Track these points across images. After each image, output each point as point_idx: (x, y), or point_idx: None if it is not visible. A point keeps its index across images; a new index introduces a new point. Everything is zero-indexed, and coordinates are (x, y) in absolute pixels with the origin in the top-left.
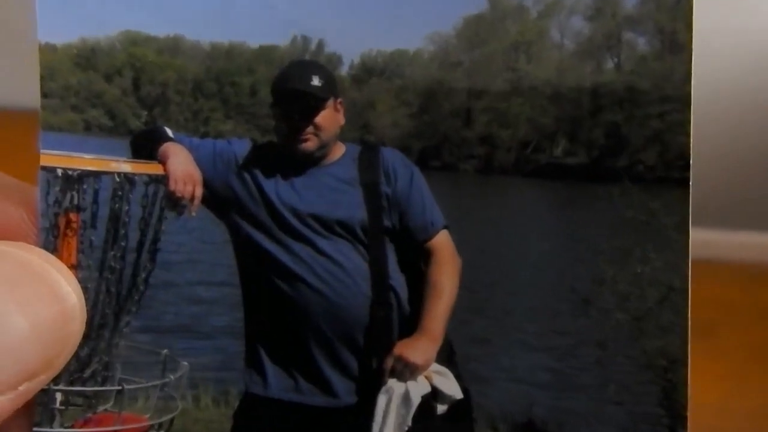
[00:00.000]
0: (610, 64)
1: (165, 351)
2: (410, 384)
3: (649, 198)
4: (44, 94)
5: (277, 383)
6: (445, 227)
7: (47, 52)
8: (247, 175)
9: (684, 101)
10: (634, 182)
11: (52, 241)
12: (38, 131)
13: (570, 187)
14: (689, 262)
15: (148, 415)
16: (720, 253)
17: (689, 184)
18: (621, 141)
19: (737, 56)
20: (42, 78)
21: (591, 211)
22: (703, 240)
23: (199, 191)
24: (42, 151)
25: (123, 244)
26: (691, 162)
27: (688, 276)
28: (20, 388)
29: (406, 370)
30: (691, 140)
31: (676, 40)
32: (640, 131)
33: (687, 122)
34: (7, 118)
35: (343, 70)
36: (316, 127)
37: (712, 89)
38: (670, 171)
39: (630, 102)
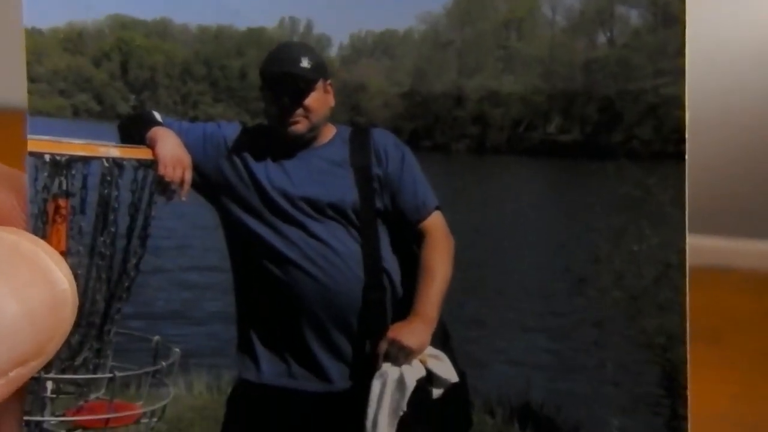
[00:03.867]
0: (602, 39)
1: (157, 337)
2: (405, 368)
3: (644, 174)
4: (31, 79)
5: (270, 369)
6: (438, 208)
7: (34, 36)
8: (237, 159)
9: (678, 74)
10: (629, 158)
11: (41, 227)
12: (25, 116)
13: (564, 164)
14: (686, 240)
15: (140, 403)
16: (722, 261)
17: (685, 159)
18: (615, 116)
19: (728, 26)
20: (29, 63)
21: (586, 188)
22: (704, 247)
23: (188, 175)
24: (30, 136)
25: (113, 229)
26: (686, 136)
27: (685, 253)
28: (11, 374)
29: (401, 354)
30: (686, 113)
31: (669, 13)
32: (634, 106)
33: (681, 95)
34: None
35: (333, 52)
36: (306, 109)
37: (705, 60)
38: (666, 145)
39: (623, 76)
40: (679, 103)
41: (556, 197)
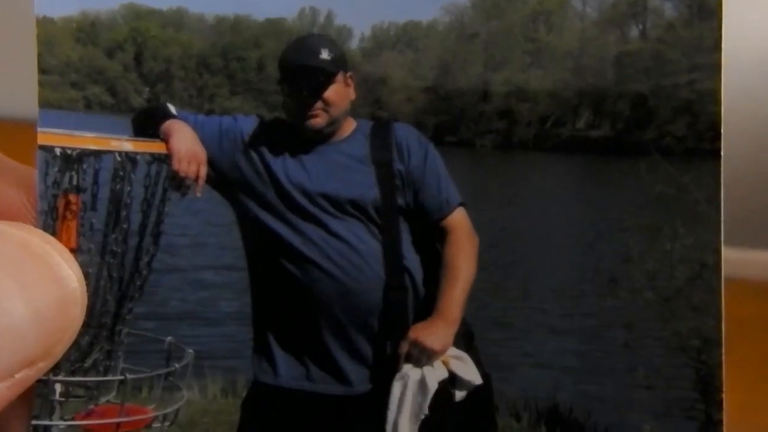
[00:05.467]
0: (635, 33)
1: (169, 338)
2: (427, 370)
3: (679, 171)
4: (42, 70)
5: (288, 371)
6: (462, 205)
7: (45, 25)
8: (254, 154)
9: (714, 69)
10: (662, 155)
11: (50, 224)
12: (36, 109)
13: (594, 161)
14: (722, 240)
15: (152, 406)
16: (741, 271)
17: (720, 156)
18: (648, 112)
19: None
20: (40, 53)
21: (616, 186)
22: (724, 257)
23: (203, 171)
24: (40, 129)
25: (125, 226)
26: (722, 132)
27: (721, 253)
28: (18, 375)
29: (423, 355)
30: (722, 110)
31: (704, 5)
32: (668, 102)
33: (717, 91)
34: (4, 95)
35: (354, 44)
36: (326, 103)
37: (744, 55)
38: (701, 142)
39: (657, 71)
40: (714, 98)
41: (586, 195)
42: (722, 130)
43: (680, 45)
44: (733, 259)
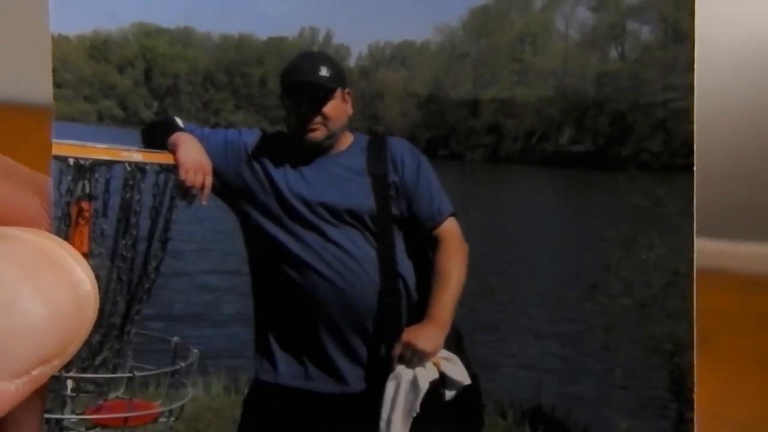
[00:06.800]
0: (614, 54)
1: (176, 338)
2: (418, 370)
3: (654, 185)
4: (57, 85)
5: (287, 370)
6: (453, 215)
7: (61, 43)
8: (256, 165)
9: (688, 89)
10: (639, 169)
11: (64, 229)
12: (51, 121)
13: (576, 175)
14: (695, 249)
15: (159, 402)
16: (719, 263)
17: (693, 171)
18: (626, 129)
19: (738, 44)
20: (55, 69)
21: (597, 198)
22: (702, 249)
23: (209, 180)
24: (54, 140)
25: (134, 232)
26: (695, 149)
27: (693, 262)
28: (34, 372)
29: (415, 357)
30: (695, 127)
31: (679, 29)
32: (644, 119)
33: (691, 110)
34: (21, 108)
35: (351, 62)
36: (325, 117)
37: (715, 77)
38: (675, 158)
39: (634, 90)
40: (688, 117)
41: (568, 207)
42: (695, 146)
43: (656, 66)
44: (706, 250)
